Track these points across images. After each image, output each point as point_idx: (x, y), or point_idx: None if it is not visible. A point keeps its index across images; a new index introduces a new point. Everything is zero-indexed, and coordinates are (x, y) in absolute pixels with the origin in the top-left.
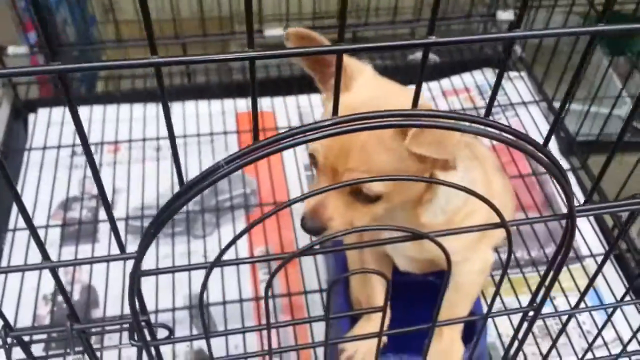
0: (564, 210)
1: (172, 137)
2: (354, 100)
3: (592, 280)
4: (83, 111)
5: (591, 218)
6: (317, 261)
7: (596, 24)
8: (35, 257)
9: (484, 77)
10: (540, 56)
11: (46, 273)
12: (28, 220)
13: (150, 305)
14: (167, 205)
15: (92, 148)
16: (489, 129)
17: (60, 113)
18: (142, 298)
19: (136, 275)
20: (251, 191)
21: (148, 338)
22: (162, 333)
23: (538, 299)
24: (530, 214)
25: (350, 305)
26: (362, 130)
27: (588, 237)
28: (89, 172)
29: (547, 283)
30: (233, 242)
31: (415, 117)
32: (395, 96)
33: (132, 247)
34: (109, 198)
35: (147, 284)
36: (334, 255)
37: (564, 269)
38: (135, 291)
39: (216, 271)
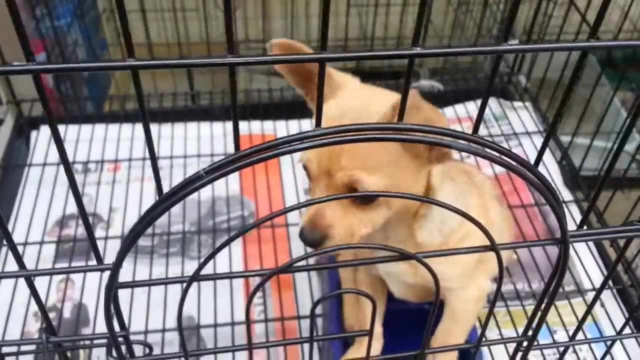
0: None
1: (149, 139)
2: (336, 108)
3: (590, 308)
4: (86, 129)
5: (594, 251)
6: (312, 286)
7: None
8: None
9: (488, 106)
10: (544, 91)
11: (36, 286)
12: (2, 225)
13: (140, 326)
14: (144, 215)
15: (93, 166)
16: (473, 145)
17: (62, 131)
18: (120, 311)
19: (112, 287)
20: (249, 213)
21: (126, 355)
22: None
23: (533, 326)
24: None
25: (343, 332)
26: (351, 142)
27: (591, 271)
28: (87, 190)
29: (542, 310)
30: (217, 252)
31: (405, 132)
32: (378, 101)
33: (127, 265)
34: (106, 216)
35: (138, 303)
36: (328, 281)
37: (566, 302)
38: (111, 303)
39: (209, 293)
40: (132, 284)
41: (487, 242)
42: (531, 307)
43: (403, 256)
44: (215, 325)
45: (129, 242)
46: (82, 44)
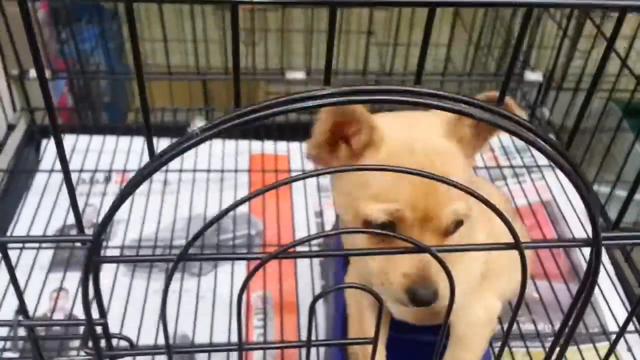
0: None
1: (142, 94)
2: (398, 145)
3: (613, 346)
4: (96, 140)
5: (621, 291)
6: (317, 312)
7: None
8: (21, 275)
9: (510, 137)
10: (564, 135)
11: (27, 295)
12: None
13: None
14: (137, 173)
15: (101, 176)
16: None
17: (72, 141)
18: (100, 294)
19: (92, 259)
20: (256, 232)
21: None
22: None
23: (554, 356)
24: (555, 283)
25: (346, 355)
26: (364, 102)
27: (617, 312)
28: (91, 200)
29: (567, 333)
30: (204, 229)
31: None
32: (426, 120)
33: (123, 278)
34: (108, 228)
35: (131, 321)
36: (334, 305)
37: (590, 345)
38: (90, 282)
39: (206, 311)
40: (116, 259)
41: (492, 257)
42: None
43: (418, 248)
44: (211, 346)
45: (117, 203)
46: (104, 66)
